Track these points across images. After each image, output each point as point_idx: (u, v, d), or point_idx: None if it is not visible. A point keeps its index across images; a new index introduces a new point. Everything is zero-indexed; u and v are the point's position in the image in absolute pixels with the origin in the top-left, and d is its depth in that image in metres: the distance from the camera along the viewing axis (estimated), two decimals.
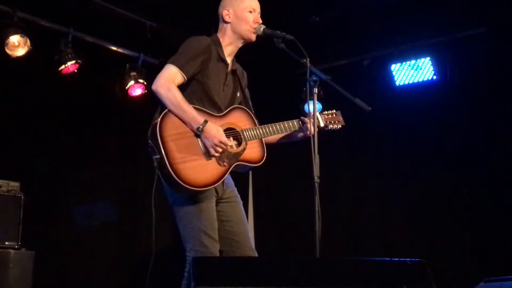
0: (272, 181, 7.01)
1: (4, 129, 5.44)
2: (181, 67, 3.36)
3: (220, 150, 3.34)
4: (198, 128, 3.30)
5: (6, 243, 4.85)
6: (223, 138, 3.34)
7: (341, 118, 3.82)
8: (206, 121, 3.31)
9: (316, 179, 3.19)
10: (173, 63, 3.38)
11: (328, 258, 3.15)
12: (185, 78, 3.37)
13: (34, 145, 5.64)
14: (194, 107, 3.36)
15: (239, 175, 3.59)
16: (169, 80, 3.33)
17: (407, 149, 6.32)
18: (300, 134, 3.66)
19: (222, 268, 2.67)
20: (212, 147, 3.32)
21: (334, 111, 3.81)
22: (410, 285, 2.72)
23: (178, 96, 3.31)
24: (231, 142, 3.43)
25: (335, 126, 3.78)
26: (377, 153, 6.57)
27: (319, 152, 3.23)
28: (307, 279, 2.68)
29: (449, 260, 5.73)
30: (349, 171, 6.74)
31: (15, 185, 5.05)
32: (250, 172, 5.51)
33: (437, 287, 2.77)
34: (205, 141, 3.32)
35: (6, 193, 4.98)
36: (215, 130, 3.33)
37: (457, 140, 6.02)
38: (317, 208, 3.13)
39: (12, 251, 4.79)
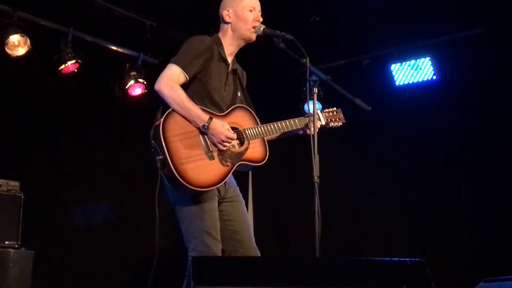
0: (272, 180, 7.01)
1: (4, 128, 5.43)
2: (183, 67, 3.35)
3: (228, 145, 3.34)
4: (203, 125, 3.30)
5: (6, 242, 4.84)
6: (229, 133, 3.34)
7: (341, 116, 3.82)
8: (211, 118, 3.31)
9: (316, 179, 3.19)
10: (175, 62, 3.37)
11: (328, 258, 3.15)
12: (187, 77, 3.37)
13: (34, 144, 5.64)
14: None
15: (239, 174, 3.58)
16: (172, 79, 3.33)
17: (406, 149, 6.33)
18: (301, 132, 3.68)
19: (221, 268, 2.67)
20: (219, 143, 3.32)
21: (335, 108, 3.82)
22: (409, 285, 2.72)
23: (182, 95, 3.31)
24: (235, 141, 3.43)
25: (336, 123, 3.79)
26: (377, 153, 6.58)
27: (319, 152, 3.23)
28: (306, 279, 2.68)
29: (449, 260, 5.74)
30: (348, 171, 6.74)
31: (15, 184, 5.04)
32: (250, 171, 5.49)
33: (436, 287, 2.77)
34: (212, 138, 3.32)
35: (6, 193, 4.96)
36: (220, 126, 3.33)
37: (457, 140, 6.03)
38: (317, 208, 3.13)
39: (11, 250, 4.77)
